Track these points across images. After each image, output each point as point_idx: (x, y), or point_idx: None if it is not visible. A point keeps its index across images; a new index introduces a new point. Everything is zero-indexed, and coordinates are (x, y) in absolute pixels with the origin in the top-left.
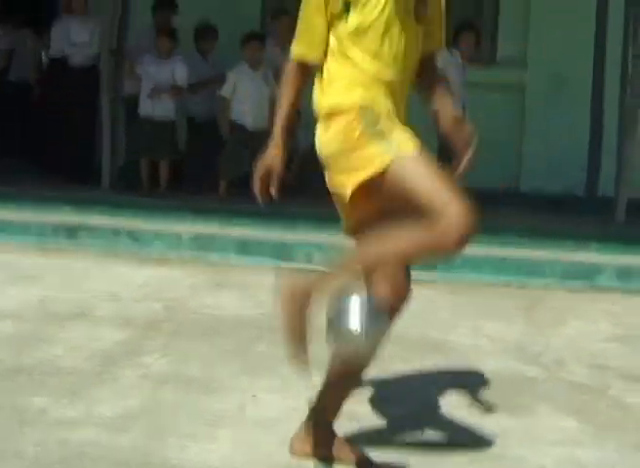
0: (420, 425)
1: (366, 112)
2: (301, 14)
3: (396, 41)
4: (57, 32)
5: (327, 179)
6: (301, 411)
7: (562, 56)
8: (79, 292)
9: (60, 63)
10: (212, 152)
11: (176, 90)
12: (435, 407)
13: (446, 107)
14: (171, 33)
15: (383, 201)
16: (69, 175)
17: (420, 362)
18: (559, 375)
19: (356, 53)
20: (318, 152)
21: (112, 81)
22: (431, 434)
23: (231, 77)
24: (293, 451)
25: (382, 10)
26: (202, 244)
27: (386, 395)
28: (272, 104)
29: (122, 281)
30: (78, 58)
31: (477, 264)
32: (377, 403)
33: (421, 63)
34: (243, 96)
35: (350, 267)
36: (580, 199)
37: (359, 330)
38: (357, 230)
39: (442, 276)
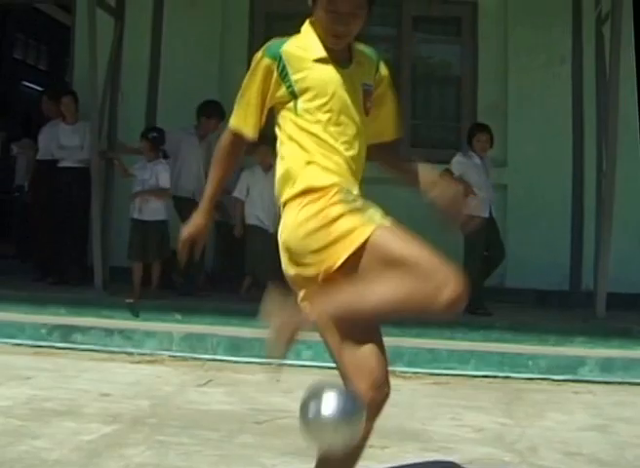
0: None
1: (344, 190)
2: (242, 90)
3: (349, 128)
4: (44, 136)
5: (294, 265)
6: None
7: (541, 160)
8: (69, 391)
9: (49, 165)
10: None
11: (161, 192)
12: None
13: (418, 174)
14: (151, 138)
15: (365, 272)
16: (62, 275)
17: (397, 448)
18: (530, 461)
19: (312, 141)
20: (284, 238)
21: (102, 185)
22: None
23: (244, 179)
24: None
25: (328, 105)
26: (192, 342)
27: None
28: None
29: (113, 380)
30: (68, 161)
31: (462, 358)
32: None
33: (382, 152)
34: (255, 197)
35: (330, 308)
36: (565, 293)
37: (331, 421)
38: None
39: (426, 369)
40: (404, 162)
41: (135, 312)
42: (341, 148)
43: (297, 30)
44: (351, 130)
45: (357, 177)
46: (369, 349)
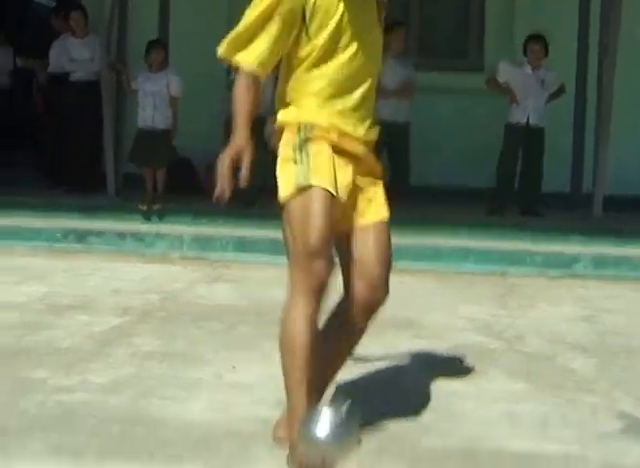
0: (384, 387)
1: (303, 128)
2: (264, 28)
3: (360, 52)
4: (55, 50)
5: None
6: (277, 379)
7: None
8: (83, 288)
9: (60, 79)
10: None
11: (174, 101)
12: (400, 373)
13: None
14: (161, 47)
15: None
16: (77, 183)
17: (392, 336)
18: (516, 348)
19: (310, 73)
20: None
21: (113, 93)
22: (392, 394)
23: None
24: (276, 438)
25: (336, 23)
26: (202, 243)
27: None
28: None
29: (125, 278)
30: (79, 74)
31: (463, 254)
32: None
33: None
34: None
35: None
36: (567, 195)
37: (327, 438)
38: None
39: (429, 265)
40: None
41: (147, 217)
42: (352, 77)
43: None
44: (366, 55)
45: (362, 103)
46: (372, 258)
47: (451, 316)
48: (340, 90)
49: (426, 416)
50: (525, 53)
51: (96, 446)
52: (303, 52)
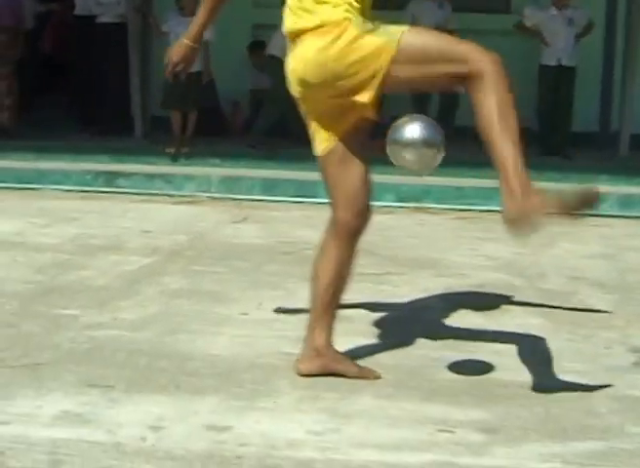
0: (407, 321)
1: (355, 20)
2: None
3: None
4: None
5: (315, 96)
6: (300, 316)
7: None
8: (113, 229)
9: (87, 21)
10: None
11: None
12: (422, 309)
13: None
14: None
15: (404, 83)
16: (105, 126)
17: (413, 275)
18: (537, 285)
19: None
20: (301, 72)
21: (139, 37)
22: (414, 329)
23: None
24: (298, 371)
25: None
26: (230, 184)
27: (377, 301)
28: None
29: (154, 219)
30: (106, 16)
31: (486, 193)
32: (371, 307)
33: None
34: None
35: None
36: (595, 134)
37: (416, 135)
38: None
39: (452, 205)
40: None
41: (175, 159)
42: None
43: None
44: None
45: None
46: (357, 184)
47: (473, 255)
48: None
49: (445, 350)
50: None
51: (124, 378)
52: None
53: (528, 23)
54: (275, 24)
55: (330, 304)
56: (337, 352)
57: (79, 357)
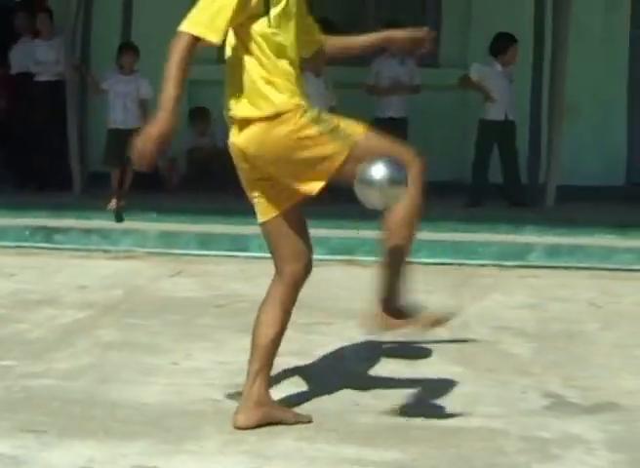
0: (331, 376)
1: (309, 113)
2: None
3: (295, 47)
4: (17, 53)
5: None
6: (228, 365)
7: None
8: (50, 284)
9: (24, 80)
10: None
11: (144, 102)
12: (345, 358)
13: (363, 39)
14: (134, 50)
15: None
16: (43, 182)
17: (341, 324)
18: (461, 335)
19: (275, 56)
20: (250, 150)
21: (78, 95)
22: (335, 377)
23: None
24: (238, 424)
25: (292, 14)
26: (167, 239)
27: (304, 350)
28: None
29: (91, 274)
30: (45, 75)
31: (416, 246)
32: (297, 355)
33: (316, 57)
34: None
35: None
36: (523, 186)
37: (383, 176)
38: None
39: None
40: (342, 42)
41: (119, 217)
42: (298, 61)
43: None
44: (299, 44)
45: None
46: (304, 237)
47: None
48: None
49: (365, 396)
50: (495, 51)
51: (57, 424)
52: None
53: (473, 78)
54: (211, 80)
55: (271, 355)
56: (273, 401)
57: (14, 405)
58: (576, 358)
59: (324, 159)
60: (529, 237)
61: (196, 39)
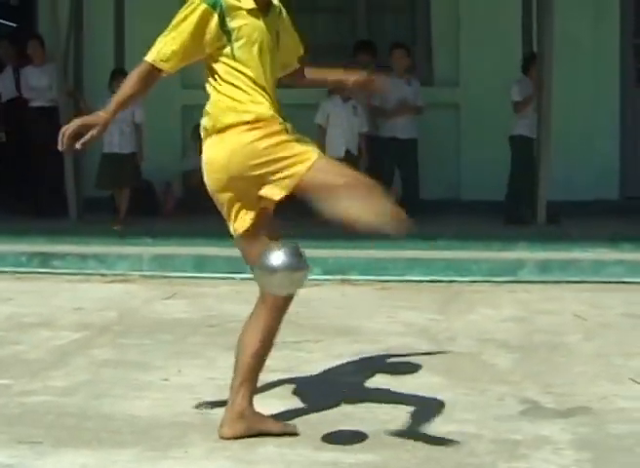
0: (315, 389)
1: (282, 122)
2: (172, 28)
3: (269, 66)
4: (2, 81)
5: (230, 185)
6: (219, 380)
7: (492, 75)
8: (46, 308)
9: (13, 106)
10: None
11: (139, 127)
12: (331, 372)
13: (323, 74)
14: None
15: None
16: (40, 208)
17: (329, 341)
18: (445, 348)
19: (249, 82)
20: (221, 161)
21: (71, 119)
22: (321, 390)
23: (324, 106)
24: (223, 435)
25: (256, 45)
26: (161, 262)
27: (291, 366)
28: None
29: (86, 297)
30: (38, 101)
31: (409, 264)
32: (284, 371)
33: (295, 74)
34: (334, 124)
35: None
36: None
37: (279, 263)
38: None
39: (376, 277)
40: (310, 73)
41: (123, 235)
42: (268, 85)
43: None
44: (272, 69)
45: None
46: None
47: (390, 322)
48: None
49: (347, 406)
50: (527, 71)
51: (52, 436)
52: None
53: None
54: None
55: (255, 370)
56: (257, 413)
57: (10, 419)
58: (555, 367)
59: (295, 159)
60: (520, 253)
61: (153, 66)
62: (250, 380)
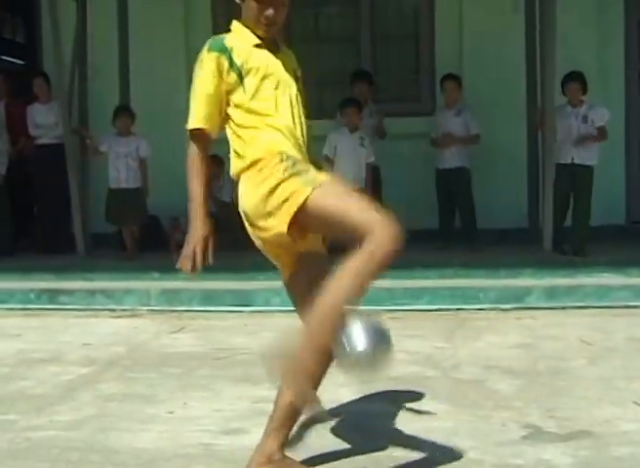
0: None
1: (285, 156)
2: (198, 91)
3: (288, 102)
4: None
5: (255, 233)
6: (223, 412)
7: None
8: (54, 343)
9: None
10: None
11: (144, 162)
12: (332, 400)
13: None
14: (129, 113)
15: (315, 230)
16: (48, 245)
17: (333, 370)
18: (450, 375)
19: (260, 118)
20: (243, 208)
21: (78, 157)
22: (328, 424)
23: (332, 138)
24: None
25: (269, 78)
26: (169, 297)
27: None
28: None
29: (94, 333)
30: (45, 138)
31: (416, 294)
32: None
33: None
34: (342, 155)
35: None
36: (524, 230)
37: (365, 348)
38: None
39: (384, 307)
40: None
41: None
42: (286, 117)
43: None
44: (290, 101)
45: (303, 141)
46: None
47: (394, 351)
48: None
49: (350, 434)
50: (564, 92)
51: None
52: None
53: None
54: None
55: (292, 416)
56: (287, 457)
57: (16, 454)
58: (558, 391)
59: (289, 195)
60: (526, 279)
61: (197, 131)
62: (286, 427)
